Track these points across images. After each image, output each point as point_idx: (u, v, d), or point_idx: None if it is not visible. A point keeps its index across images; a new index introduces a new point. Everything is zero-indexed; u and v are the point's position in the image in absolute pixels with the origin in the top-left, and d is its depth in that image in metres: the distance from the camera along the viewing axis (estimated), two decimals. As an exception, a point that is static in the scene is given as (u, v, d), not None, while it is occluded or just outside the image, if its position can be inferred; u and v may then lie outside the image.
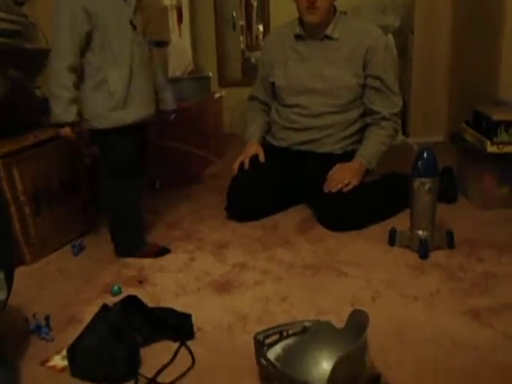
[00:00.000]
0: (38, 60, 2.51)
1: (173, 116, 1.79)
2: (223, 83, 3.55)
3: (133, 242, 1.67)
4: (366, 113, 1.99)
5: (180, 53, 3.04)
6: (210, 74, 2.95)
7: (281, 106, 2.06)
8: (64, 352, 1.13)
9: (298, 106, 1.99)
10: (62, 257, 1.73)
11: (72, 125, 1.49)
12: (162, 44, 2.70)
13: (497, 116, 1.86)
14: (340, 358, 0.92)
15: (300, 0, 1.88)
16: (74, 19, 1.42)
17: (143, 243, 1.69)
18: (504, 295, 1.33)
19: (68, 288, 1.49)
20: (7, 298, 1.10)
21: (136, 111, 1.55)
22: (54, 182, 1.80)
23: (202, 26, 3.52)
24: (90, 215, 1.96)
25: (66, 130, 1.49)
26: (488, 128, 1.88)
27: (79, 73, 1.48)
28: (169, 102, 1.74)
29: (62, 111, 1.46)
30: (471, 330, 1.19)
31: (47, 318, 1.27)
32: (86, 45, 1.47)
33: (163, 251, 1.69)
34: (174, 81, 2.59)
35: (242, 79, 3.57)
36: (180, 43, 3.12)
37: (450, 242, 1.61)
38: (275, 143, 2.08)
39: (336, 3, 1.92)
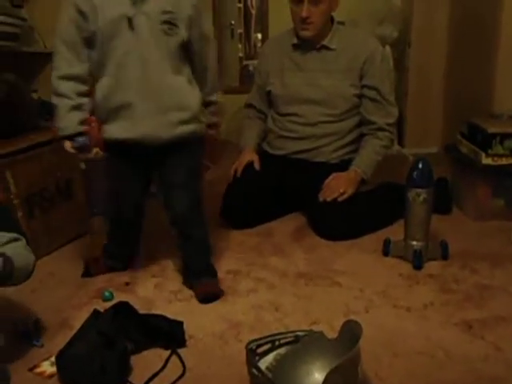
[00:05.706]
0: (35, 63, 2.51)
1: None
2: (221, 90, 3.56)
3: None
4: (363, 123, 1.99)
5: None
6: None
7: (277, 115, 2.06)
8: (53, 358, 1.11)
9: (294, 114, 1.99)
10: (55, 260, 1.72)
11: (73, 137, 1.35)
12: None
13: (492, 128, 1.87)
14: (332, 369, 0.91)
15: (294, 14, 1.89)
16: None
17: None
18: (496, 308, 1.33)
19: (59, 292, 1.48)
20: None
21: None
22: (50, 186, 1.79)
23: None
24: (84, 219, 1.95)
25: (67, 144, 1.36)
26: (483, 140, 1.89)
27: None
28: None
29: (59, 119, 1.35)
30: (463, 342, 1.19)
31: (37, 323, 1.25)
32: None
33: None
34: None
35: (239, 87, 3.58)
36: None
37: (444, 253, 1.61)
38: (271, 151, 2.08)
39: (334, 13, 1.93)
